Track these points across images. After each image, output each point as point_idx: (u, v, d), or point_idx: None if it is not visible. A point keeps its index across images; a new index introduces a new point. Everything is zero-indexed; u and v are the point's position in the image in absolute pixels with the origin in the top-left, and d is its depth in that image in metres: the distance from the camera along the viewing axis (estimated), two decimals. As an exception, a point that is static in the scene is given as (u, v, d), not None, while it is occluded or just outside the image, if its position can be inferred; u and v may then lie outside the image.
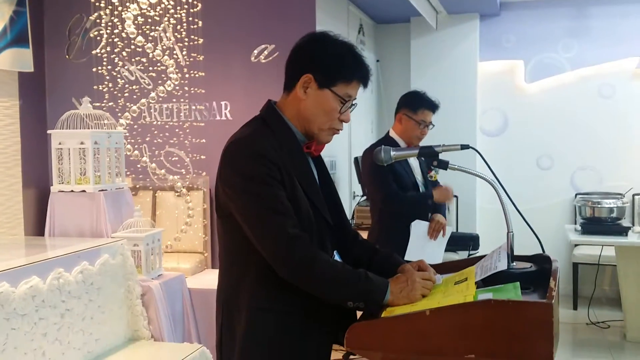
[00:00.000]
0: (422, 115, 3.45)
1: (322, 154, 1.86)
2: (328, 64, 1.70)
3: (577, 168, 5.98)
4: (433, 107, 3.48)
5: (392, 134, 3.57)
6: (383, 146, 1.88)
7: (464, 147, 1.89)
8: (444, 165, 1.85)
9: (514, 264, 1.78)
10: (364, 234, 3.60)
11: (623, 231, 4.47)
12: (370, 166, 3.42)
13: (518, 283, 1.60)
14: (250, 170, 1.64)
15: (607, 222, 4.54)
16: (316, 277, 1.63)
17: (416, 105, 3.46)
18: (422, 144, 3.58)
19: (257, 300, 1.70)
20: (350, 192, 5.39)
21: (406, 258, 3.24)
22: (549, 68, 6.05)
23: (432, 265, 1.90)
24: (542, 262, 1.76)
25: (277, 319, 1.69)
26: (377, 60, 6.32)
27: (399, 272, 1.78)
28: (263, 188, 1.63)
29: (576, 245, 5.39)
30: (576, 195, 5.76)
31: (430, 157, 1.84)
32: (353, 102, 1.78)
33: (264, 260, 1.65)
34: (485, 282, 1.68)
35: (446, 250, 4.03)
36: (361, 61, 1.74)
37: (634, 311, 4.62)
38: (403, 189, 3.42)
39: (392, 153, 1.86)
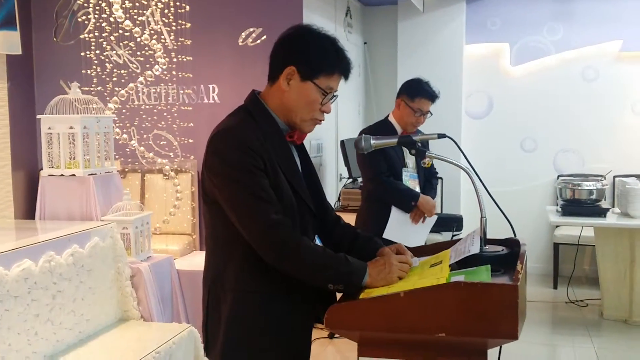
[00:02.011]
0: (419, 104, 3.51)
1: (309, 135, 1.94)
2: (311, 56, 1.76)
3: (560, 150, 6.09)
4: (431, 96, 3.55)
5: (391, 118, 3.64)
6: (364, 135, 1.96)
7: (441, 136, 1.97)
8: (422, 154, 1.92)
9: (487, 247, 1.86)
10: (350, 216, 3.71)
11: (602, 213, 4.58)
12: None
13: (489, 266, 1.69)
14: (235, 159, 1.71)
15: (587, 203, 4.65)
16: (298, 261, 1.71)
17: (414, 93, 3.52)
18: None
19: (242, 282, 1.79)
20: (337, 174, 5.47)
21: (384, 237, 3.34)
22: (534, 51, 6.12)
23: (412, 248, 1.99)
24: (513, 245, 1.85)
25: (261, 301, 1.78)
26: (365, 43, 6.37)
27: (378, 256, 1.87)
28: (247, 176, 1.71)
29: (557, 226, 5.52)
30: (558, 177, 5.88)
31: (409, 146, 1.92)
32: (334, 94, 1.85)
33: (249, 245, 1.73)
34: (460, 265, 1.77)
35: (430, 231, 4.13)
36: (343, 54, 1.81)
37: (611, 290, 4.76)
38: (393, 172, 3.51)
39: (372, 142, 1.93)
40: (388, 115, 3.66)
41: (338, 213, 4.74)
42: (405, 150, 3.54)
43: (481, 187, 1.94)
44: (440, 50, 6.08)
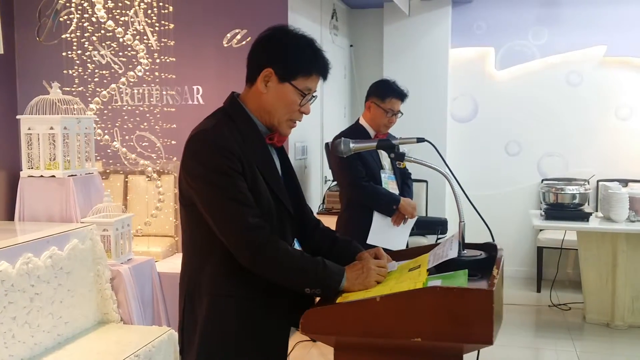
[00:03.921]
0: (390, 104, 3.52)
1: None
2: (288, 58, 1.76)
3: (544, 154, 6.11)
4: (401, 96, 3.55)
5: (362, 121, 3.63)
6: (343, 138, 1.95)
7: (420, 140, 1.96)
8: (401, 157, 1.92)
9: (465, 252, 1.86)
10: (334, 219, 3.71)
11: (584, 217, 4.61)
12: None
13: (467, 270, 1.68)
14: (213, 162, 1.70)
15: (570, 208, 4.67)
16: (275, 264, 1.70)
17: (384, 93, 3.53)
18: (393, 131, 3.67)
19: (219, 286, 1.77)
20: (322, 177, 5.46)
21: (368, 242, 3.34)
22: (519, 55, 6.15)
23: (391, 252, 1.99)
24: (491, 250, 1.85)
25: (238, 305, 1.76)
26: (351, 46, 6.37)
27: (357, 260, 1.86)
28: (225, 179, 1.69)
29: (541, 230, 5.55)
30: (542, 181, 5.91)
31: (388, 150, 1.91)
32: (313, 95, 1.84)
33: (226, 248, 1.72)
34: (438, 269, 1.76)
35: (415, 234, 4.13)
36: (320, 55, 1.80)
37: (594, 294, 4.78)
38: (371, 175, 3.50)
39: (351, 145, 1.92)
40: (359, 119, 3.65)
41: (323, 216, 4.75)
42: (381, 152, 3.54)
43: (460, 192, 1.93)
44: (425, 54, 6.09)
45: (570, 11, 5.98)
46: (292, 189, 1.92)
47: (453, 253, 1.78)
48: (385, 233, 3.51)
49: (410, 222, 3.62)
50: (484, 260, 1.78)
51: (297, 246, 1.91)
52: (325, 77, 1.82)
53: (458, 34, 6.17)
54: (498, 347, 4.79)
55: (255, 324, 1.78)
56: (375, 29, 6.25)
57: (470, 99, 6.27)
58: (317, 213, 5.02)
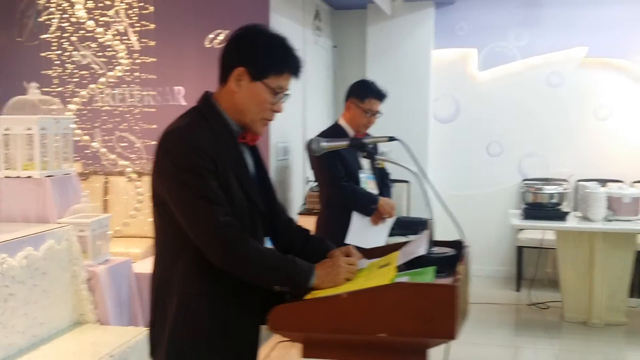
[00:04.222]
0: (369, 104, 3.54)
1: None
2: (259, 57, 1.77)
3: (525, 155, 6.17)
4: (380, 96, 3.57)
5: (341, 122, 3.65)
6: (314, 137, 1.97)
7: (392, 138, 1.99)
8: (372, 156, 1.94)
9: (435, 249, 1.89)
10: (315, 219, 3.72)
11: (562, 216, 4.66)
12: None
13: (434, 267, 1.71)
14: (185, 161, 1.71)
15: (548, 207, 4.72)
16: (245, 262, 1.72)
17: (364, 94, 3.55)
18: (376, 131, 3.69)
19: (189, 284, 1.78)
20: (303, 177, 5.47)
21: (347, 242, 3.35)
22: (500, 56, 6.20)
23: (364, 250, 2.01)
24: (461, 247, 1.88)
25: (209, 303, 1.77)
26: (334, 46, 6.39)
27: (327, 258, 1.88)
28: (197, 178, 1.70)
29: (521, 229, 5.60)
30: (523, 181, 5.96)
31: (359, 149, 1.93)
32: (285, 93, 1.85)
33: (197, 247, 1.73)
34: (409, 267, 1.79)
35: (396, 234, 4.15)
36: (292, 53, 1.81)
37: (572, 293, 4.83)
38: (351, 175, 3.52)
39: (323, 144, 1.94)
40: (338, 120, 3.67)
41: (304, 216, 4.76)
42: (373, 152, 3.56)
43: (434, 191, 1.95)
44: (408, 55, 6.13)
45: (551, 13, 6.04)
46: (264, 187, 1.94)
47: (421, 250, 1.80)
48: (365, 233, 3.53)
49: (389, 222, 3.64)
50: (452, 258, 1.81)
51: (269, 245, 1.92)
52: (297, 76, 1.84)
53: (441, 35, 6.22)
54: (477, 346, 4.87)
55: (226, 322, 1.79)
56: (359, 30, 6.28)
57: (452, 99, 6.32)
58: (299, 213, 5.03)
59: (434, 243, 1.95)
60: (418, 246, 1.85)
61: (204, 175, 1.70)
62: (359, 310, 1.55)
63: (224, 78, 1.83)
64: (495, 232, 6.05)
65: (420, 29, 6.12)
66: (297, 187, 5.24)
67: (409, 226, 5.28)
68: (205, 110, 1.83)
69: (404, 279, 1.66)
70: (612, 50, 5.94)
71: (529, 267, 5.84)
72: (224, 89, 1.83)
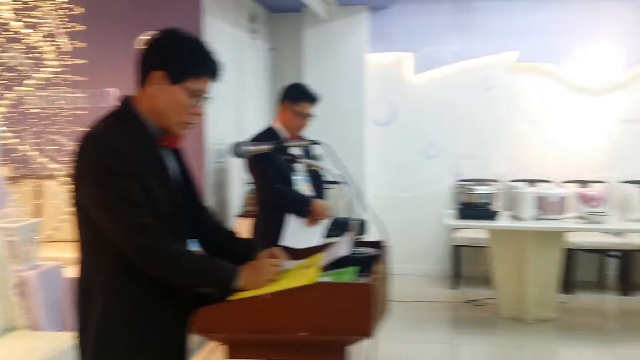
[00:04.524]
0: (302, 107, 3.57)
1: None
2: (177, 60, 1.78)
3: (461, 156, 6.32)
4: (312, 99, 3.61)
5: (276, 124, 3.67)
6: (238, 141, 1.99)
7: (315, 142, 2.02)
8: (292, 160, 1.97)
9: (360, 249, 1.94)
10: (253, 221, 3.73)
11: (492, 215, 4.81)
12: (253, 156, 3.51)
13: (357, 267, 1.75)
14: (104, 164, 1.70)
15: (479, 207, 4.86)
16: (166, 265, 1.72)
17: (297, 97, 3.58)
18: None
19: (113, 289, 1.77)
20: (241, 179, 5.46)
21: (283, 244, 3.37)
22: (435, 60, 6.33)
23: (293, 251, 2.04)
24: (381, 247, 1.93)
25: (132, 306, 1.77)
26: (272, 49, 6.41)
27: (254, 259, 1.90)
28: (115, 181, 1.70)
29: (457, 229, 5.75)
30: (457, 182, 6.12)
31: (281, 153, 1.96)
32: (206, 96, 1.86)
33: (119, 251, 1.72)
34: (334, 267, 1.83)
35: (333, 235, 4.19)
36: (210, 56, 1.83)
37: (505, 290, 4.99)
38: (283, 178, 3.54)
39: (246, 147, 1.96)
40: (272, 123, 3.70)
41: (243, 219, 4.73)
42: (296, 155, 3.59)
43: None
44: (344, 58, 6.21)
45: (482, 18, 6.22)
46: (188, 190, 1.95)
47: (344, 251, 1.85)
48: (300, 234, 3.55)
49: (325, 224, 3.68)
50: (373, 257, 1.86)
51: (196, 246, 1.93)
52: (215, 79, 1.86)
53: (377, 39, 6.32)
54: (415, 344, 4.96)
55: (151, 326, 1.79)
56: (296, 33, 6.32)
57: (389, 102, 6.42)
58: (238, 216, 5.03)
59: (359, 243, 2.00)
60: (341, 247, 1.90)
61: (123, 178, 1.71)
62: (280, 310, 1.58)
63: (142, 81, 1.83)
64: (432, 232, 6.19)
65: (356, 33, 6.21)
66: (235, 189, 5.23)
67: (343, 227, 5.33)
68: (123, 114, 1.83)
69: (327, 279, 1.70)
70: (542, 55, 6.16)
71: (465, 266, 6.01)
72: (143, 93, 1.83)
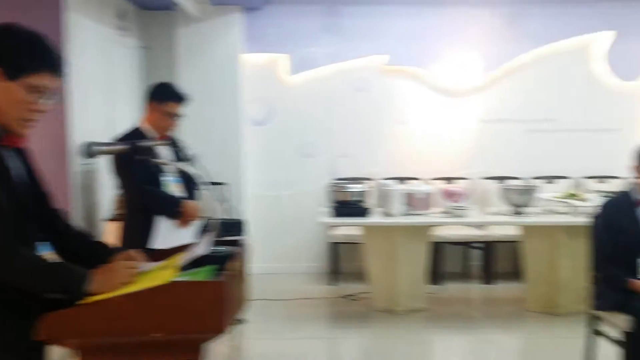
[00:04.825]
0: (169, 107, 3.52)
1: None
2: (14, 56, 1.71)
3: (337, 156, 6.48)
4: (179, 98, 3.56)
5: (143, 125, 3.58)
6: (88, 142, 1.93)
7: (167, 141, 2.00)
8: (150, 161, 1.94)
9: (220, 248, 1.94)
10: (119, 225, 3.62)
11: (365, 212, 4.97)
12: (118, 157, 3.42)
13: (213, 266, 1.76)
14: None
15: (352, 204, 5.01)
16: (11, 269, 1.65)
17: (164, 97, 3.52)
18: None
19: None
20: (111, 181, 5.28)
21: (153, 247, 3.31)
22: (310, 62, 6.44)
23: (156, 253, 2.00)
24: (239, 245, 1.95)
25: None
26: (144, 47, 6.24)
27: (110, 262, 1.85)
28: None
29: (333, 226, 5.89)
30: (333, 180, 6.27)
31: (135, 153, 1.93)
32: (48, 93, 1.79)
33: None
34: (195, 266, 1.82)
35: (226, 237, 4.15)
36: (49, 51, 1.77)
37: (378, 283, 5.18)
38: (152, 179, 3.47)
39: (97, 148, 1.92)
40: (139, 123, 3.62)
41: (113, 222, 4.55)
42: (165, 155, 3.54)
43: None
44: (219, 58, 6.18)
45: (353, 22, 6.42)
46: (35, 191, 1.87)
47: (202, 250, 1.85)
48: (171, 236, 3.49)
49: (197, 225, 3.64)
50: (230, 256, 1.87)
51: (48, 251, 1.86)
52: (57, 74, 1.79)
53: (252, 39, 6.34)
54: (294, 340, 5.02)
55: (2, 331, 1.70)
56: (168, 32, 6.21)
57: (266, 102, 6.46)
58: (107, 219, 4.85)
59: (220, 242, 2.00)
60: (199, 247, 1.89)
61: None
62: (132, 312, 1.56)
63: None
64: (309, 230, 6.30)
65: (230, 33, 6.20)
66: (106, 192, 5.05)
67: (223, 228, 5.31)
68: None
69: (183, 278, 1.69)
70: (410, 59, 6.45)
71: (342, 262, 6.18)
72: None
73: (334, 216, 5.01)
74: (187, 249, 1.99)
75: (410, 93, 6.50)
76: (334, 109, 6.48)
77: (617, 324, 3.36)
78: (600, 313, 3.56)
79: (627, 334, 3.26)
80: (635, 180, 3.60)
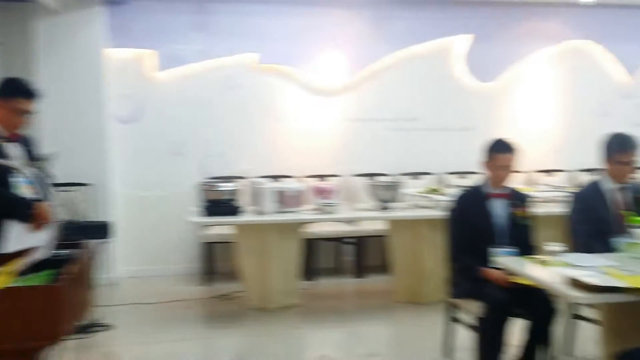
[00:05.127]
0: (18, 104, 3.30)
1: None
2: None
3: (209, 154, 6.39)
4: (29, 95, 3.35)
5: (-10, 122, 3.33)
6: None
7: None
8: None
9: (63, 252, 1.85)
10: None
11: (235, 211, 4.94)
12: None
13: (52, 270, 1.67)
14: None
15: (223, 203, 4.96)
16: None
17: (11, 93, 3.30)
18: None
19: None
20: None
21: (4, 251, 3.09)
22: (179, 58, 6.31)
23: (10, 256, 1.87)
24: (84, 247, 1.87)
25: None
26: (-1, 43, 5.84)
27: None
28: None
29: (206, 226, 5.81)
30: (204, 179, 6.17)
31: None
32: None
33: None
34: (35, 271, 1.72)
35: (75, 239, 3.95)
36: None
37: (252, 282, 5.16)
38: (3, 181, 3.24)
39: None
40: None
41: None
42: (14, 155, 3.32)
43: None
44: (80, 53, 5.91)
45: (223, 19, 6.37)
46: None
47: (41, 254, 1.76)
48: (24, 240, 3.28)
49: (51, 228, 3.44)
50: (72, 259, 1.79)
51: None
52: None
53: (117, 34, 6.11)
54: (166, 343, 4.90)
55: None
56: (24, 25, 5.83)
57: (133, 99, 6.25)
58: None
59: (65, 246, 1.91)
60: (40, 250, 1.80)
61: None
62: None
63: None
64: (182, 231, 6.17)
65: (91, 27, 5.93)
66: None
67: (90, 231, 5.09)
68: None
69: (15, 284, 1.60)
70: (281, 57, 6.50)
71: (217, 262, 6.11)
72: None
73: (205, 215, 4.94)
74: (28, 253, 1.89)
75: (281, 91, 6.55)
76: (205, 107, 6.40)
77: (471, 310, 3.57)
78: (457, 301, 3.78)
79: (480, 319, 3.48)
80: (485, 174, 3.85)
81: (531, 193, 4.97)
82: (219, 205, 4.96)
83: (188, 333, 4.72)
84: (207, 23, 6.33)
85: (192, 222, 5.09)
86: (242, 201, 5.23)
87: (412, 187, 5.92)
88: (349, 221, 5.98)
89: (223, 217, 4.94)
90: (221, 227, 5.72)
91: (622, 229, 3.53)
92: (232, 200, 5.00)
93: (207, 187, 5.09)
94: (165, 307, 5.25)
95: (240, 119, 6.45)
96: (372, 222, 5.92)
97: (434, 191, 5.46)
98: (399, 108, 6.74)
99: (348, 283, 6.14)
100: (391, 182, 5.42)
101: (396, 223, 5.27)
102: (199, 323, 5.08)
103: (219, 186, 5.02)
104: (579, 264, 3.09)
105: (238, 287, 5.47)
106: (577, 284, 2.78)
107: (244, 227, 5.07)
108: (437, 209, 4.97)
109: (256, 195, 5.14)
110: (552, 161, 7.00)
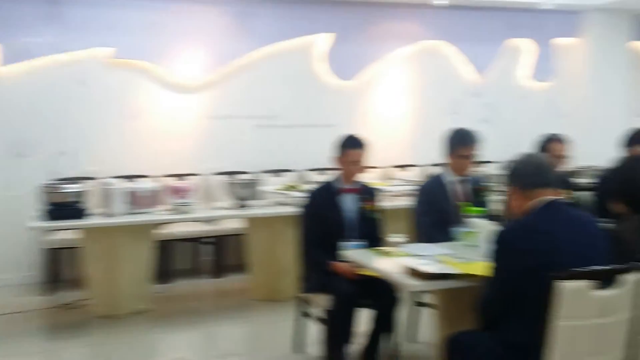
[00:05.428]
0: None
1: None
2: None
3: (56, 154, 5.98)
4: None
5: None
6: None
7: None
8: None
9: None
10: None
11: (80, 214, 4.63)
12: None
13: None
14: None
15: (67, 206, 4.62)
16: None
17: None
18: None
19: None
20: None
21: None
22: (25, 52, 5.87)
23: None
24: None
25: None
26: None
27: None
28: None
29: (50, 231, 5.40)
30: (48, 181, 5.75)
31: None
32: None
33: None
34: None
35: None
36: None
37: (100, 288, 4.85)
38: None
39: None
40: None
41: None
42: None
43: None
44: None
45: (77, 11, 6.00)
46: None
47: None
48: None
49: None
50: None
51: None
52: None
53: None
54: (5, 359, 4.43)
55: None
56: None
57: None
58: None
59: None
60: None
61: None
62: None
63: None
64: (23, 237, 5.70)
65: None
66: None
67: None
68: None
69: None
70: (138, 52, 6.22)
71: (63, 269, 5.71)
72: None
73: (47, 220, 4.59)
74: None
75: (138, 88, 6.28)
76: (53, 104, 5.99)
77: (321, 304, 3.58)
78: (308, 295, 3.77)
79: (328, 312, 3.49)
80: (337, 170, 3.88)
81: (383, 187, 5.13)
82: (63, 209, 4.62)
83: (28, 347, 4.37)
84: (60, 14, 5.93)
85: (31, 227, 4.71)
86: (91, 203, 4.92)
87: (273, 185, 5.87)
88: (205, 220, 5.82)
89: (67, 221, 4.60)
90: (67, 232, 5.34)
91: (461, 219, 3.68)
92: (77, 202, 4.68)
93: (50, 189, 4.72)
94: (1, 320, 4.83)
95: (93, 116, 6.11)
96: (231, 221, 5.80)
97: (291, 188, 5.45)
98: (261, 105, 6.68)
99: (206, 284, 5.98)
100: (249, 180, 5.34)
101: (254, 221, 5.20)
102: (41, 335, 4.71)
103: (63, 188, 4.68)
104: (418, 254, 3.17)
105: (84, 295, 5.11)
106: (414, 272, 2.85)
107: (90, 231, 4.76)
108: (293, 205, 4.95)
109: (106, 196, 4.86)
110: (407, 157, 7.24)
